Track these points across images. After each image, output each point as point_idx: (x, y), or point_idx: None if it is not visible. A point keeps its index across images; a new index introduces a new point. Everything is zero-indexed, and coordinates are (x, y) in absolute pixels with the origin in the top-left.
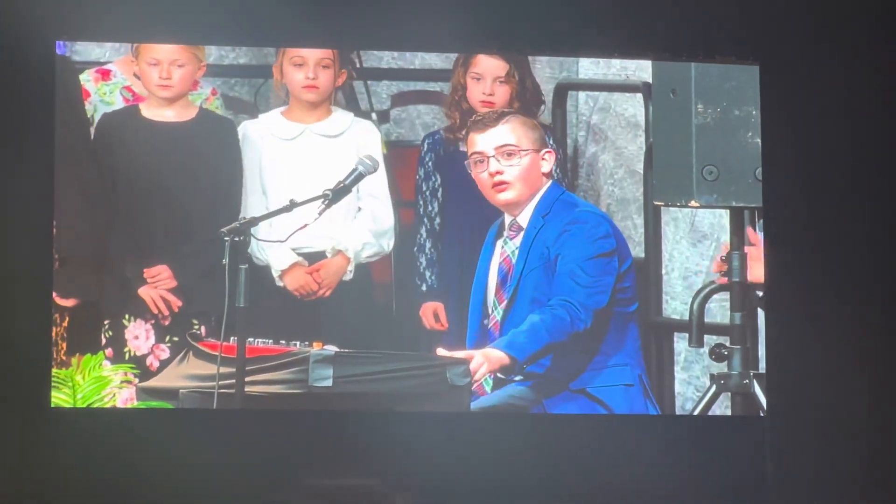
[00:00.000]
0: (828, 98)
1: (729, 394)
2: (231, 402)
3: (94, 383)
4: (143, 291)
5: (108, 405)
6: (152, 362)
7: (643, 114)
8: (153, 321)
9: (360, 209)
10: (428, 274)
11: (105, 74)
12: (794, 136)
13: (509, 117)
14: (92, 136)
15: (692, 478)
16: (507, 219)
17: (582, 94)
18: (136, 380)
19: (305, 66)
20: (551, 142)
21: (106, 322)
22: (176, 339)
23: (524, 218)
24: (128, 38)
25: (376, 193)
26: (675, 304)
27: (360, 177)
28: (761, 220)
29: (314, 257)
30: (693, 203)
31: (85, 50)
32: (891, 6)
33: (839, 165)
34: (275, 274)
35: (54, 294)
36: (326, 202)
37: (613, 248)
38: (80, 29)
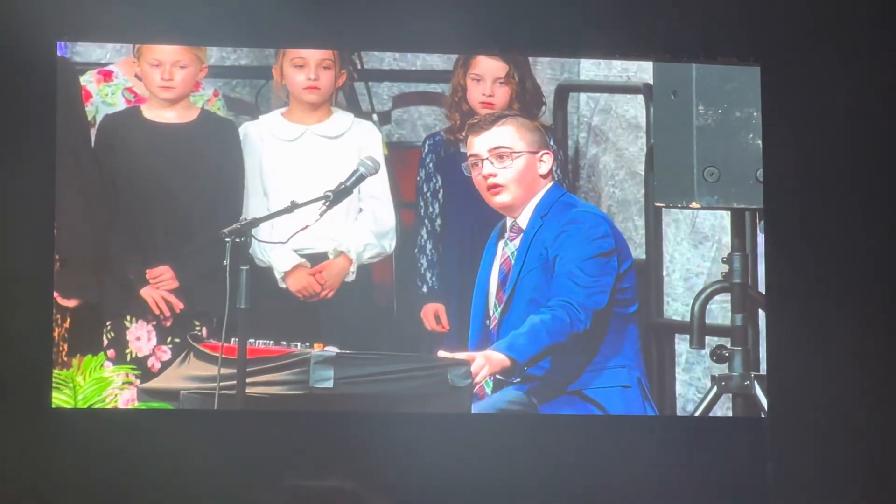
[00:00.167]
0: (829, 99)
1: (730, 395)
2: (232, 403)
3: (94, 384)
4: (145, 292)
5: (109, 406)
6: (154, 363)
7: (644, 115)
8: (155, 322)
9: (361, 210)
10: (429, 275)
11: (107, 76)
12: (795, 137)
13: (506, 119)
14: (93, 138)
15: (693, 479)
16: (509, 220)
17: (583, 96)
18: (138, 381)
19: (307, 67)
20: (552, 143)
21: (108, 323)
22: (178, 340)
23: (524, 219)
24: (129, 38)
25: (377, 194)
26: (677, 306)
27: (361, 178)
28: (762, 222)
29: (316, 258)
30: (694, 204)
31: (86, 51)
32: (892, 7)
33: (840, 167)
34: (277, 276)
35: (56, 294)
36: (327, 203)
37: (612, 248)
38: (81, 29)
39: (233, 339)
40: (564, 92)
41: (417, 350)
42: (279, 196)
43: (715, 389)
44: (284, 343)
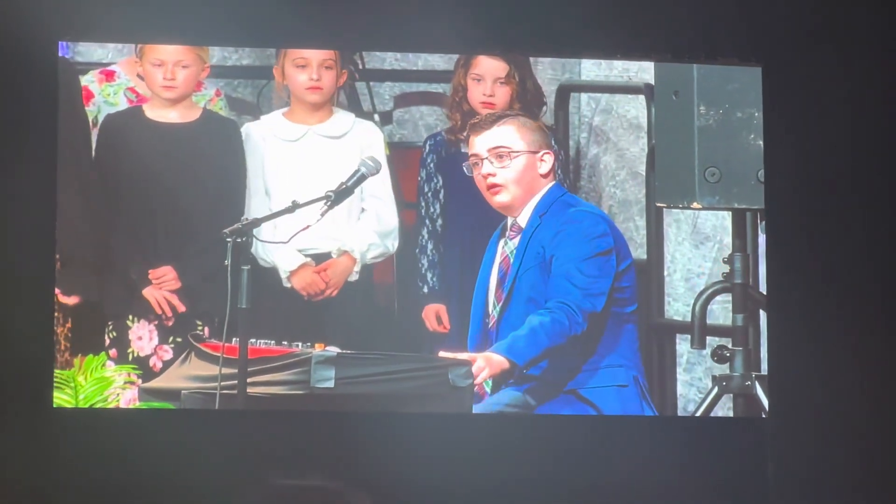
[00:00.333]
0: (830, 100)
1: (731, 395)
2: (233, 403)
3: (95, 384)
4: (148, 292)
5: (111, 405)
6: (155, 363)
7: (645, 115)
8: (156, 322)
9: (363, 210)
10: (430, 275)
11: (109, 75)
12: (796, 138)
13: (507, 119)
14: (95, 137)
15: (694, 479)
16: (510, 220)
17: (584, 96)
18: (139, 380)
19: (309, 67)
20: (553, 143)
21: (110, 323)
22: (179, 339)
23: (524, 218)
24: (132, 38)
25: (380, 194)
26: (678, 306)
27: (363, 178)
28: (763, 222)
29: (317, 259)
30: (695, 205)
31: (88, 51)
32: (893, 7)
33: (841, 167)
34: (283, 275)
35: (58, 292)
36: (329, 203)
37: (610, 248)
38: (83, 29)
39: (234, 339)
40: (566, 92)
41: (419, 350)
42: (281, 196)
43: (716, 390)
44: (286, 343)
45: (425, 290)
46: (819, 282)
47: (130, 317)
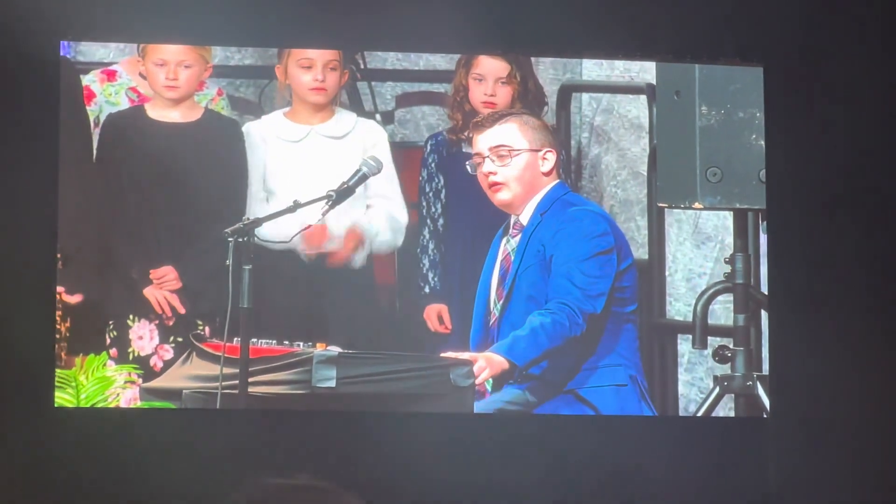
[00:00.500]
0: (831, 100)
1: (732, 395)
2: (234, 403)
3: (97, 383)
4: (149, 292)
5: (112, 405)
6: (156, 363)
7: (646, 115)
8: (157, 321)
9: (368, 206)
10: (431, 275)
11: (111, 75)
12: (798, 138)
13: (509, 117)
14: (97, 137)
15: (695, 479)
16: (512, 218)
17: (585, 96)
18: (140, 380)
19: (314, 68)
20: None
21: (110, 322)
22: (180, 339)
23: (525, 216)
24: (134, 38)
25: (388, 194)
26: (679, 306)
27: (364, 178)
28: (765, 223)
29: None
30: (697, 205)
31: (89, 50)
32: (894, 7)
33: (842, 167)
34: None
35: (62, 290)
36: (330, 203)
37: (611, 247)
38: (85, 29)
39: (235, 339)
40: (567, 92)
41: (420, 350)
42: (283, 196)
43: (717, 390)
44: (287, 343)
45: (427, 290)
46: (820, 282)
47: (131, 316)
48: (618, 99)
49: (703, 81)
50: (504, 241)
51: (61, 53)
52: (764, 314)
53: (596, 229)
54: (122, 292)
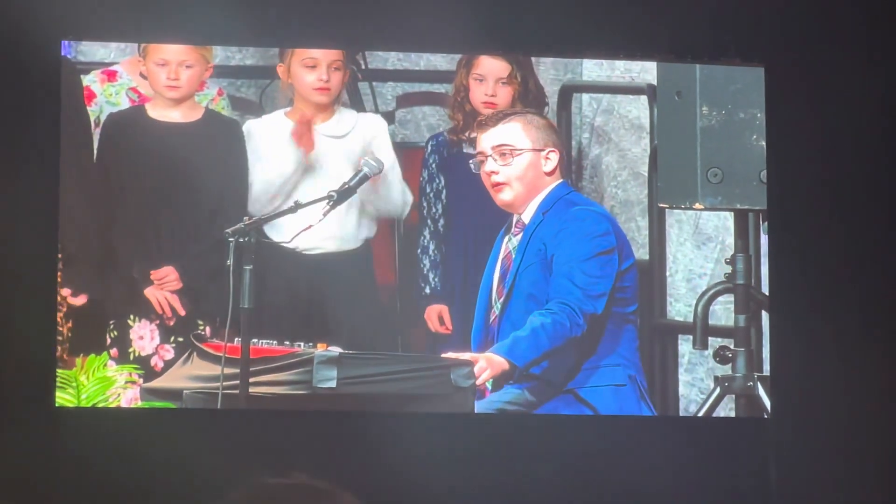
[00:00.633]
0: (833, 100)
1: (733, 396)
2: (235, 403)
3: (98, 383)
4: (149, 292)
5: (112, 405)
6: (157, 363)
7: (647, 116)
8: (158, 321)
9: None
10: (431, 276)
11: (111, 76)
12: (799, 138)
13: (513, 117)
14: (97, 137)
15: (696, 480)
16: (515, 216)
17: (585, 96)
18: (141, 380)
19: (318, 68)
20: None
21: (111, 322)
22: (181, 339)
23: (528, 215)
24: (135, 38)
25: (391, 178)
26: (679, 307)
27: (365, 178)
28: (766, 223)
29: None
30: (697, 205)
31: (90, 50)
32: (895, 8)
33: (844, 168)
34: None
35: (69, 292)
36: (331, 203)
37: (613, 247)
38: (86, 28)
39: (236, 339)
40: (568, 92)
41: (421, 351)
42: (284, 196)
43: (718, 390)
44: (288, 343)
45: (427, 290)
46: (821, 282)
47: (132, 316)
48: (618, 99)
49: (704, 82)
50: (506, 239)
51: (62, 53)
52: (765, 315)
53: (598, 229)
54: (123, 292)
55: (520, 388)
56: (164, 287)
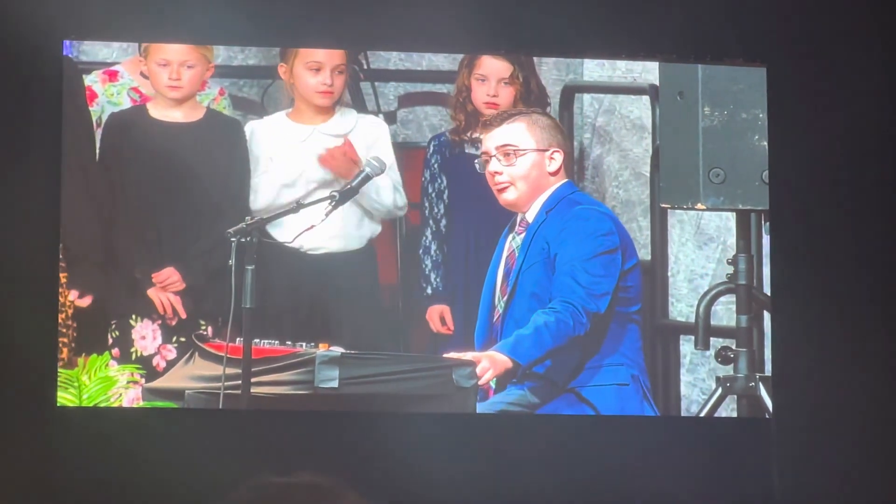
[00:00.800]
0: (834, 101)
1: (734, 396)
2: (237, 403)
3: (99, 383)
4: (152, 292)
5: (114, 405)
6: (159, 363)
7: (648, 116)
8: (160, 321)
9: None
10: (433, 276)
11: (112, 76)
12: (801, 138)
13: (517, 116)
14: (99, 137)
15: (697, 480)
16: (519, 215)
17: (587, 97)
18: (143, 380)
19: (322, 71)
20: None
21: (113, 322)
22: (183, 339)
23: (531, 214)
24: (137, 37)
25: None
26: (681, 307)
27: (367, 178)
28: (767, 223)
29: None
30: (699, 206)
31: (92, 50)
32: None
33: (845, 168)
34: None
35: (76, 294)
36: (333, 203)
37: (616, 246)
38: (88, 28)
39: (238, 339)
40: (570, 92)
41: (423, 351)
42: (285, 196)
43: (720, 390)
44: (289, 343)
45: (429, 291)
46: (823, 283)
47: (133, 316)
48: (620, 99)
49: (706, 82)
50: (510, 238)
51: (64, 53)
52: (766, 315)
53: (601, 228)
54: (125, 292)
55: (522, 388)
56: (167, 289)
